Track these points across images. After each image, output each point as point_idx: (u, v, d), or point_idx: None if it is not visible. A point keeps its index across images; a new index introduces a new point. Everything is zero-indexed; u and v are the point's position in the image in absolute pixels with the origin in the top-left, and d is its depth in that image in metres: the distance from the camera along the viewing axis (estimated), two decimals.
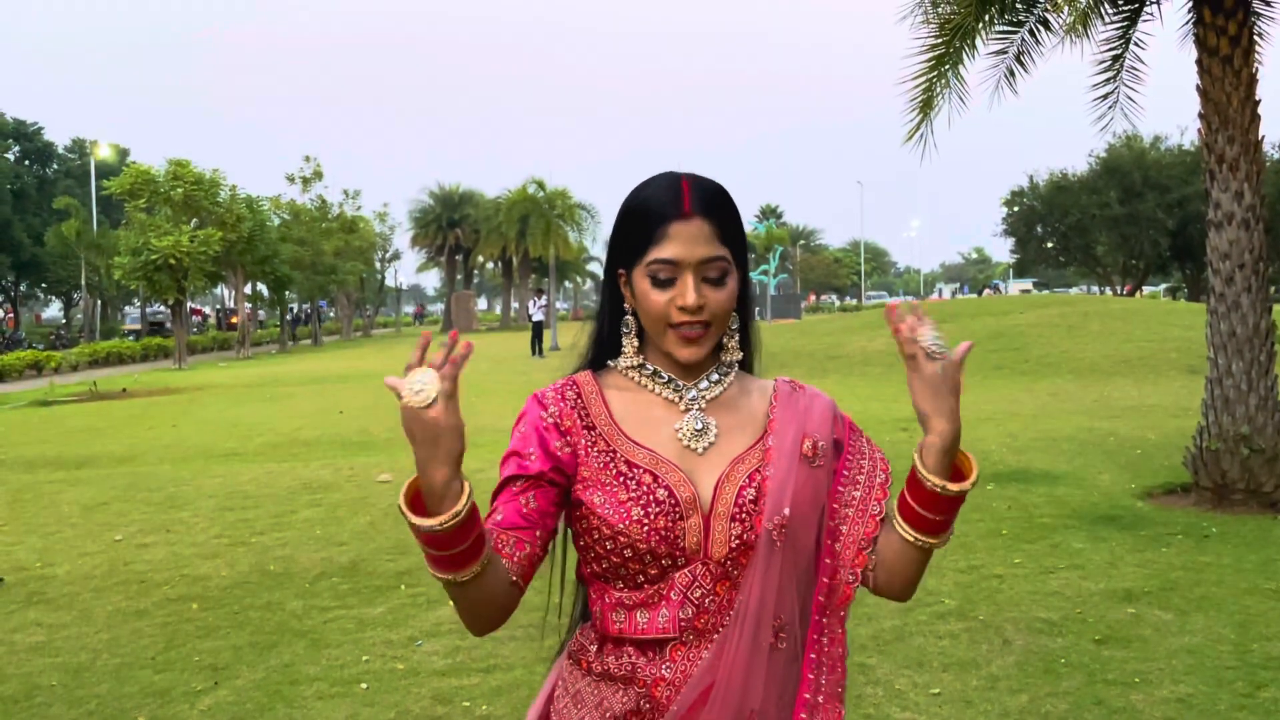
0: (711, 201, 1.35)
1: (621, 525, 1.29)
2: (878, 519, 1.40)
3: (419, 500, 1.20)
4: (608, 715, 1.32)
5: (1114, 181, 34.19)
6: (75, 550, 6.47)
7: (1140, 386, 13.50)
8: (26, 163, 50.84)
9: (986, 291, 67.99)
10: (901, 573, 1.38)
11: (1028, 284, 73.57)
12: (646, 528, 1.29)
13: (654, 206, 1.33)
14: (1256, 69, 6.68)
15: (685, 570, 1.31)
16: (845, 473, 1.42)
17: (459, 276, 60.14)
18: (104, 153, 44.01)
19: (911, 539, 1.34)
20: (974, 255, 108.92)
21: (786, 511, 1.32)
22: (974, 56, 7.36)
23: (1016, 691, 3.76)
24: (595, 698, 1.34)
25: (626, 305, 1.39)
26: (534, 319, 27.55)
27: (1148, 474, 7.62)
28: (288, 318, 40.03)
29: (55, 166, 51.64)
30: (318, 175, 39.20)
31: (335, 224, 40.64)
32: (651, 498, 1.30)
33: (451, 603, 1.29)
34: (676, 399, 1.38)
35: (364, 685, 4.06)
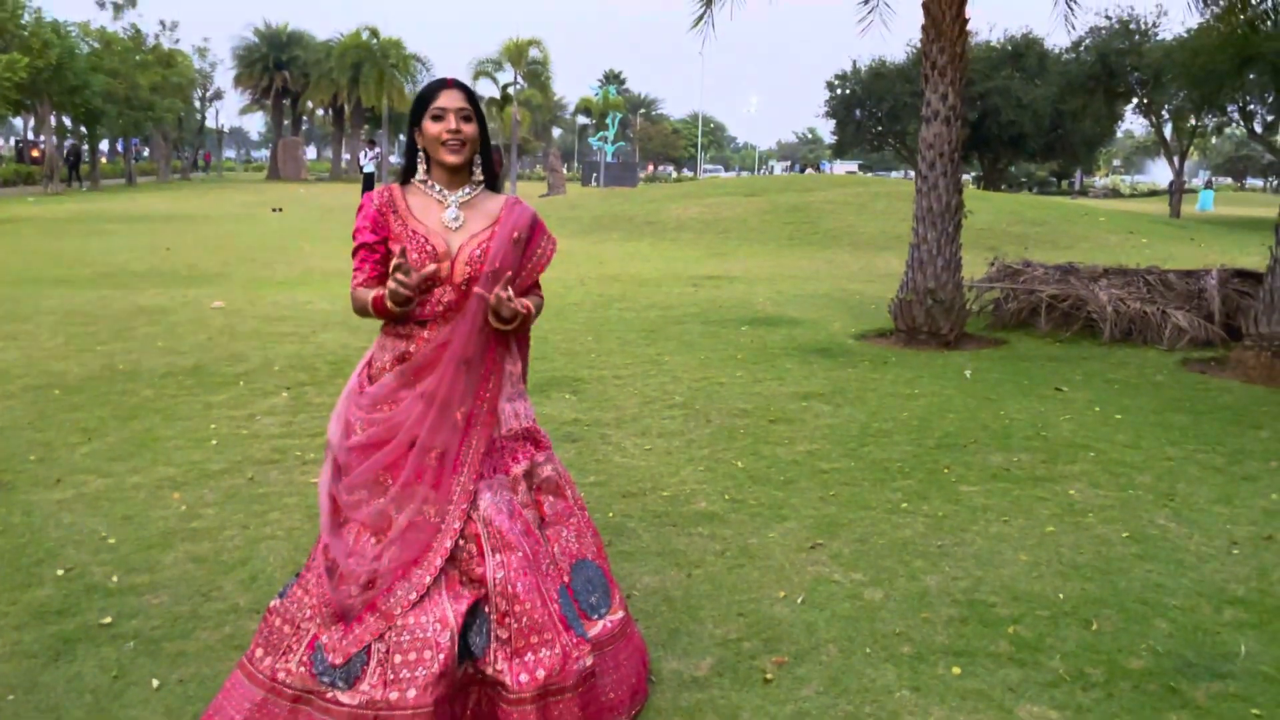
0: (460, 84, 2.58)
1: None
2: (534, 276, 2.70)
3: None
4: (393, 353, 2.55)
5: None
6: None
7: (901, 257, 15.47)
8: None
9: (808, 170, 70.95)
10: None
11: (853, 166, 77.12)
12: (419, 264, 2.49)
13: (432, 86, 2.56)
14: None
15: (440, 289, 2.52)
16: (529, 252, 2.70)
17: (286, 122, 57.78)
18: None
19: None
20: (808, 135, 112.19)
21: (496, 265, 2.59)
22: None
23: (703, 448, 5.30)
24: (391, 345, 2.56)
25: (420, 145, 2.58)
26: (365, 170, 27.44)
27: (868, 322, 9.44)
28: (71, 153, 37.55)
29: None
30: (130, 2, 36.71)
31: (151, 56, 38.35)
32: (423, 249, 2.51)
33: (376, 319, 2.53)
34: (443, 200, 2.59)
35: (214, 442, 5.20)
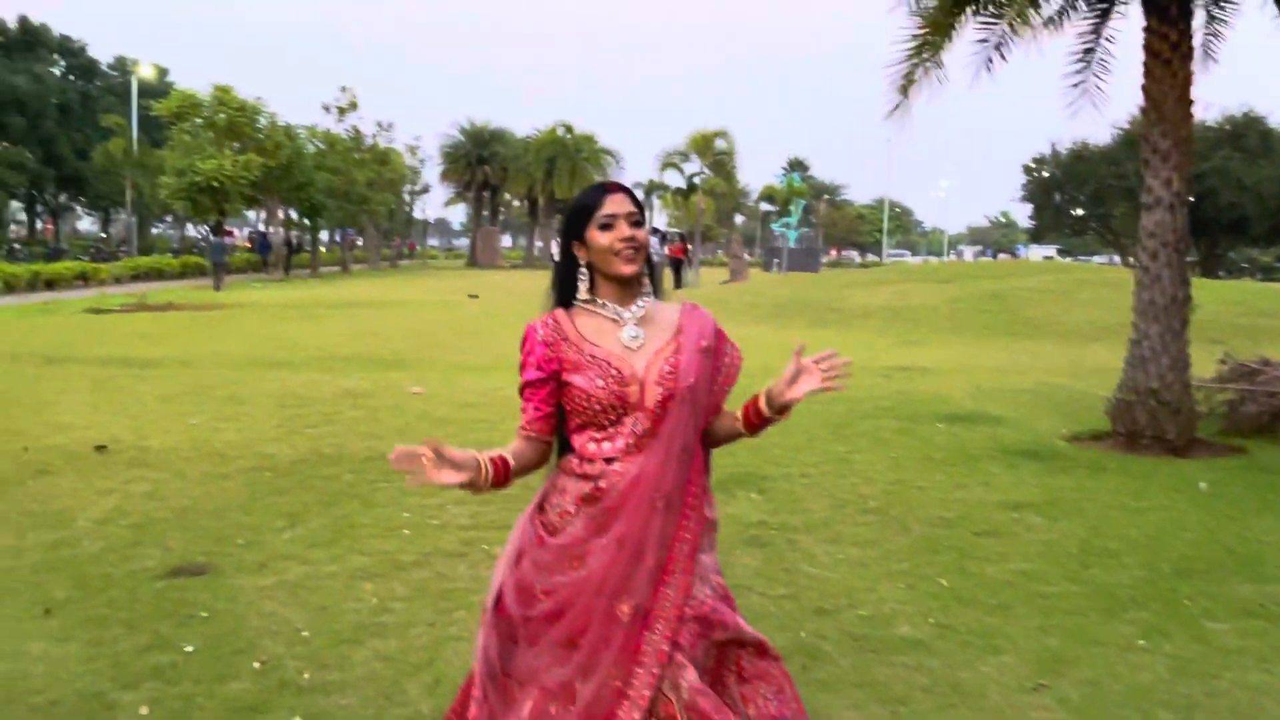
0: (623, 187, 2.38)
1: (593, 391, 2.18)
2: (727, 388, 2.41)
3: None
4: (577, 494, 2.29)
5: (1133, 153, 34.55)
6: (160, 429, 7.74)
7: (1113, 350, 14.42)
8: (71, 78, 52.01)
9: (1002, 255, 68.44)
10: (725, 437, 2.43)
11: (1051, 250, 73.85)
12: (607, 391, 2.18)
13: (594, 193, 2.34)
14: (1193, 72, 7.63)
15: (631, 416, 2.20)
16: (718, 361, 2.48)
17: (485, 213, 61.10)
18: (145, 72, 45.03)
19: (742, 428, 2.38)
20: (1001, 219, 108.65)
21: (691, 380, 2.36)
22: (948, 49, 8.32)
23: (902, 560, 4.92)
24: (573, 486, 2.30)
25: (581, 260, 2.27)
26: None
27: (1080, 422, 8.72)
28: (290, 244, 40.60)
29: (98, 83, 52.76)
30: (353, 105, 40.04)
31: (368, 155, 41.61)
32: (609, 374, 2.18)
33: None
34: (617, 319, 2.27)
35: (406, 531, 5.28)
